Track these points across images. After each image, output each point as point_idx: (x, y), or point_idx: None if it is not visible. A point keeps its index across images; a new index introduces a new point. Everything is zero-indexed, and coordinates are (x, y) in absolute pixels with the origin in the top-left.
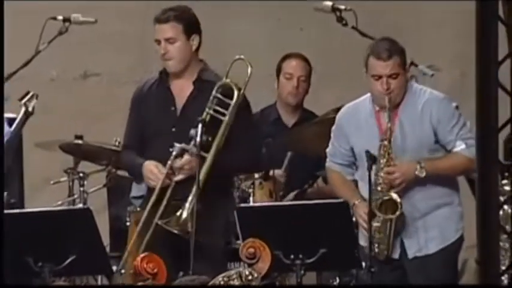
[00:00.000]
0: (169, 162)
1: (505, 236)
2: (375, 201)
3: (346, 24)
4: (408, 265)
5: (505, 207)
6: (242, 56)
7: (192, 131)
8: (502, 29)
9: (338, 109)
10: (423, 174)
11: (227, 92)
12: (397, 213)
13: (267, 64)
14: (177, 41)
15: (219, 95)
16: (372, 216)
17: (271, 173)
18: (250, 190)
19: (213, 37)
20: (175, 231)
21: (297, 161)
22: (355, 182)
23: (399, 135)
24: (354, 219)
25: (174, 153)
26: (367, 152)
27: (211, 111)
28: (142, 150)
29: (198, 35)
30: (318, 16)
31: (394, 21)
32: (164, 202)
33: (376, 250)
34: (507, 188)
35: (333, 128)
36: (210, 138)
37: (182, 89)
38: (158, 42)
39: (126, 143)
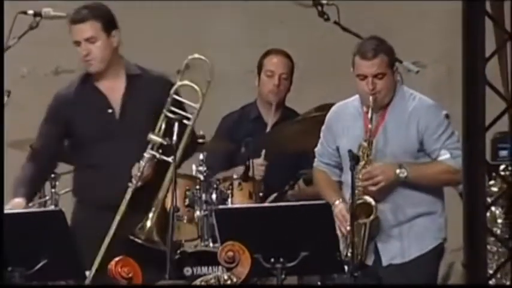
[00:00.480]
0: (138, 173)
1: (492, 239)
2: (349, 205)
3: (328, 19)
4: (383, 272)
5: (493, 208)
6: (197, 55)
7: (153, 136)
8: (489, 24)
9: (321, 107)
10: (404, 175)
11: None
12: (371, 217)
13: (246, 60)
14: (98, 40)
15: (175, 96)
16: (352, 219)
17: (250, 173)
18: (229, 191)
19: (192, 33)
20: (141, 242)
21: (278, 161)
22: (341, 183)
23: (381, 139)
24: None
25: (142, 162)
26: (350, 151)
27: (168, 113)
28: (54, 159)
29: (118, 30)
30: (300, 10)
31: (378, 16)
32: (122, 209)
33: (350, 255)
34: (494, 188)
35: (323, 127)
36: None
37: (113, 89)
38: (77, 43)
39: (37, 148)
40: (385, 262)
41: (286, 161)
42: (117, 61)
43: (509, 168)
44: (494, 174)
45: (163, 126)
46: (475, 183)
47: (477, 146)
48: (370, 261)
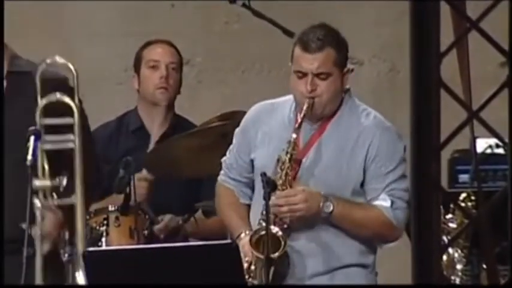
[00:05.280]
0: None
1: None
2: (249, 236)
3: (234, 1)
4: None
5: (450, 250)
6: None
7: (38, 183)
8: (445, 10)
9: (225, 115)
10: (329, 209)
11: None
12: (279, 252)
13: (126, 54)
14: None
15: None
16: (270, 262)
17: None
18: (103, 228)
19: (54, 19)
20: None
21: (168, 187)
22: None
23: (313, 158)
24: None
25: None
26: (264, 175)
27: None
28: None
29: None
30: None
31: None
32: None
33: None
34: (452, 225)
35: (237, 130)
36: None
37: None
38: None
39: None
40: None
41: (179, 187)
42: None
43: (472, 197)
44: (452, 205)
45: (45, 164)
46: (427, 218)
47: (429, 170)
48: None
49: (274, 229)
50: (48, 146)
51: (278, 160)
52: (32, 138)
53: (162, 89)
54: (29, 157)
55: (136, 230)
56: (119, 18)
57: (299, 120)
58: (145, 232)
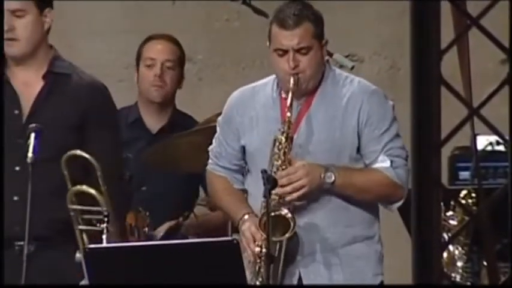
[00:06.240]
0: None
1: None
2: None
3: None
4: None
5: (451, 248)
6: None
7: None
8: (445, 6)
9: None
10: (331, 180)
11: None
12: (288, 234)
13: (126, 51)
14: (27, 14)
15: None
16: (271, 258)
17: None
18: (103, 225)
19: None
20: None
21: (169, 184)
22: (245, 192)
23: (305, 133)
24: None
25: None
26: (264, 172)
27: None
28: None
29: (52, 9)
30: None
31: None
32: None
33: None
34: (453, 222)
35: (220, 119)
36: None
37: (28, 85)
38: None
39: None
40: None
41: (180, 184)
42: (44, 50)
43: (472, 194)
44: (452, 202)
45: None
46: (428, 215)
47: (430, 167)
48: None
49: (284, 211)
50: (83, 228)
51: (275, 141)
52: (33, 135)
53: (156, 86)
54: (30, 154)
55: (137, 227)
56: (120, 16)
57: (289, 99)
58: (146, 230)
